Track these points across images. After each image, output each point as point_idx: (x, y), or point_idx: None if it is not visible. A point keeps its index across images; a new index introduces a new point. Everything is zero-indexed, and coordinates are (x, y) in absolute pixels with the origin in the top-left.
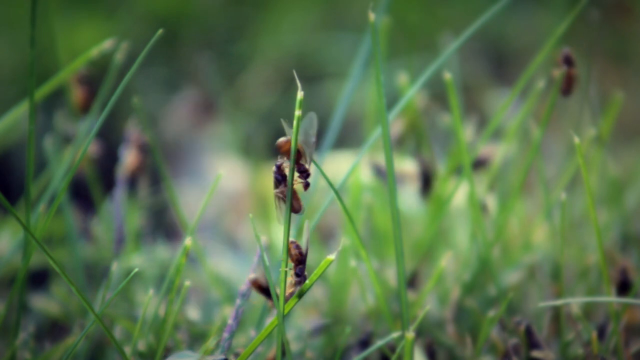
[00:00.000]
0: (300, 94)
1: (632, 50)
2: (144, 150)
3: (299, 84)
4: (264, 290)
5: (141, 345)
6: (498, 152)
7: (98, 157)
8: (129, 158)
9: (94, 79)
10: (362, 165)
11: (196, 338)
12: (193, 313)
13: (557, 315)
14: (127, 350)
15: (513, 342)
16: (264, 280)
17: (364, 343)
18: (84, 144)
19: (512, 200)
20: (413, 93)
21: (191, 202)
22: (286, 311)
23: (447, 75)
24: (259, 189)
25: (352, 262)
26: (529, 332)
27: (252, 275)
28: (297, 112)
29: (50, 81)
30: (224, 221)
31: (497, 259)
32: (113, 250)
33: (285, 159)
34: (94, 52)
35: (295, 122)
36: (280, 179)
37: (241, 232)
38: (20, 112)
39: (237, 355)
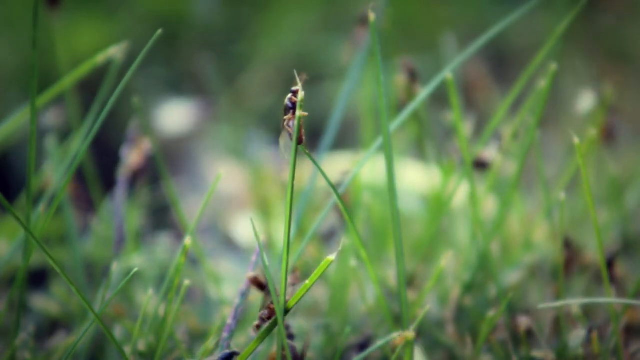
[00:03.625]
0: (301, 94)
1: (632, 50)
2: (145, 150)
3: (300, 84)
4: (264, 288)
5: (141, 345)
6: (499, 155)
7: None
8: (130, 158)
9: (94, 80)
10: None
11: (196, 337)
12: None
13: (557, 315)
14: (127, 350)
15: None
16: (264, 278)
17: (364, 346)
18: (83, 144)
19: (510, 193)
20: (420, 101)
21: (191, 203)
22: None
23: (449, 76)
24: (258, 190)
25: (353, 262)
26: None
27: (251, 273)
28: (298, 112)
29: (53, 88)
30: (223, 223)
31: (497, 259)
32: (113, 250)
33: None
34: (100, 58)
35: (296, 122)
36: (291, 106)
37: (241, 233)
38: (23, 116)
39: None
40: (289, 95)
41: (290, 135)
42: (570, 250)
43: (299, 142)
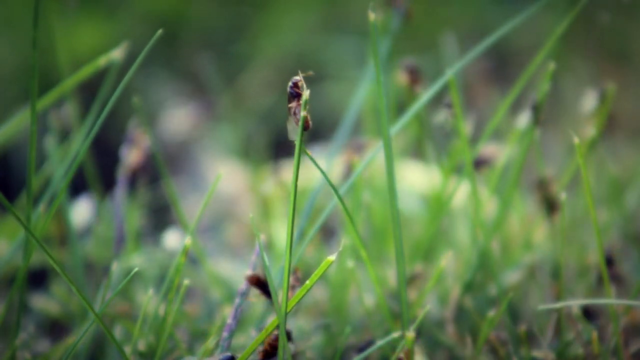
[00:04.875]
0: (305, 94)
1: (632, 50)
2: (145, 149)
3: (304, 84)
4: (263, 286)
5: (141, 345)
6: (500, 154)
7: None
8: (130, 157)
9: (94, 80)
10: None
11: (196, 337)
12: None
13: (557, 315)
14: (127, 350)
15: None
16: (262, 276)
17: (364, 349)
18: (83, 144)
19: (510, 193)
20: (422, 103)
21: (191, 203)
22: (287, 310)
23: (450, 75)
24: (259, 190)
25: (350, 263)
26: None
27: (249, 272)
28: (303, 113)
29: (54, 90)
30: (223, 223)
31: (497, 259)
32: (113, 250)
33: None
34: (102, 61)
35: (300, 123)
36: (295, 94)
37: (241, 234)
38: (24, 118)
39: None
40: (290, 84)
41: (296, 120)
42: (545, 189)
43: (305, 128)
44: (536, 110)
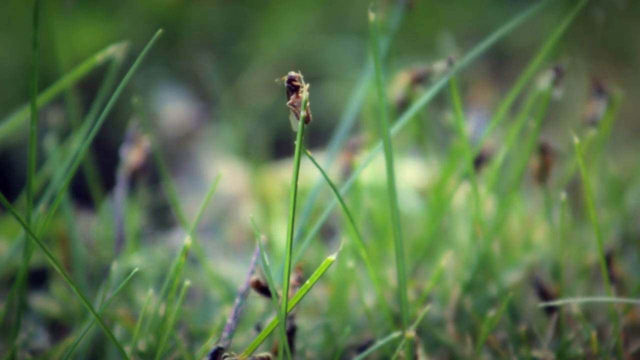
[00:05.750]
0: (305, 95)
1: (633, 50)
2: (145, 149)
3: (303, 84)
4: (265, 290)
5: (141, 345)
6: (499, 152)
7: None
8: (130, 157)
9: (94, 80)
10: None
11: (196, 337)
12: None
13: (557, 315)
14: (127, 350)
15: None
16: (265, 281)
17: (363, 349)
18: (83, 144)
19: (511, 194)
20: (421, 105)
21: (190, 203)
22: (288, 309)
23: (451, 77)
24: (259, 190)
25: (350, 263)
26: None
27: (253, 277)
28: (302, 113)
29: (53, 87)
30: (223, 223)
31: (497, 259)
32: (113, 250)
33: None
34: (99, 57)
35: (300, 123)
36: (292, 88)
37: (241, 234)
38: (23, 116)
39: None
40: (286, 79)
41: (295, 114)
42: (547, 155)
43: (306, 122)
44: (559, 72)
